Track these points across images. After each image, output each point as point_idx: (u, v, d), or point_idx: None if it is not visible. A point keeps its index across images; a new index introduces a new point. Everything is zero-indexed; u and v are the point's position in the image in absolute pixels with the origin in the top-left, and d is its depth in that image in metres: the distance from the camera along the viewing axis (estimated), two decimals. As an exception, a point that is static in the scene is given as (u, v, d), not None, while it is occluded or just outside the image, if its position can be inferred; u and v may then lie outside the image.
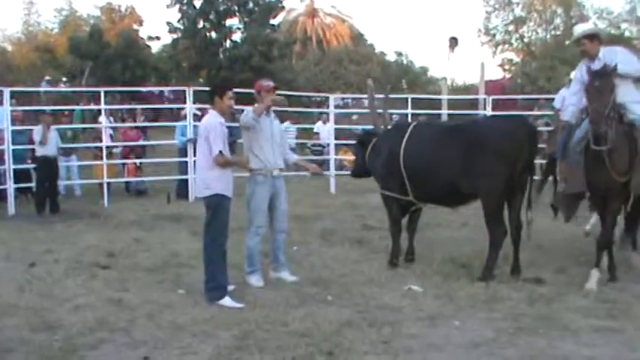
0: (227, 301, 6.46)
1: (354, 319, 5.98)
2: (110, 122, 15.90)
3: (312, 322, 5.85)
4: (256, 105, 7.12)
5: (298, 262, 8.13)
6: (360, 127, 18.08)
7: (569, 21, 34.72)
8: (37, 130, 12.50)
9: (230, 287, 6.73)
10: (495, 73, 37.56)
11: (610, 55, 6.91)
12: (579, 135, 6.99)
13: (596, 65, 6.84)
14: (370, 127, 9.41)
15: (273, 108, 7.48)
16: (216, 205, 6.58)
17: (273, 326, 5.75)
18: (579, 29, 7.29)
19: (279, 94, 7.74)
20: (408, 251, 8.27)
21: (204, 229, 6.73)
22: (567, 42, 8.60)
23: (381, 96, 9.08)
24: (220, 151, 6.51)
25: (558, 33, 35.60)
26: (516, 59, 38.42)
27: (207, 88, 17.40)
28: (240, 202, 7.33)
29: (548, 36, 36.51)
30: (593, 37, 7.12)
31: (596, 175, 6.83)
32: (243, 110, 7.29)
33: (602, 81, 6.61)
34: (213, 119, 6.65)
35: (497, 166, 7.06)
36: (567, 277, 7.34)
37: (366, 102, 27.96)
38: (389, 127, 8.65)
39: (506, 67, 38.44)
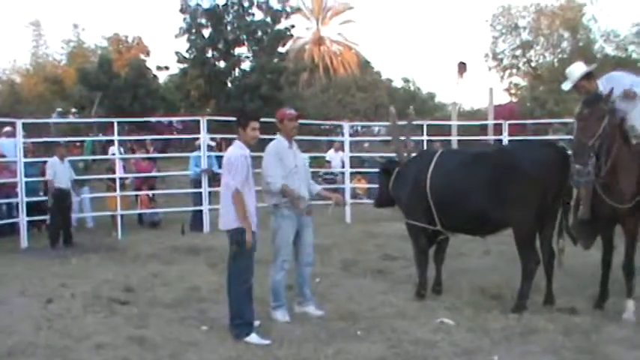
0: (254, 337, 6.24)
1: (387, 356, 5.77)
2: (121, 153, 15.74)
3: (344, 359, 5.62)
4: (294, 201, 6.92)
5: (322, 294, 7.91)
6: (371, 154, 17.97)
7: (576, 44, 34.71)
8: (49, 164, 12.32)
9: (255, 323, 6.51)
10: (502, 98, 37.46)
11: (611, 83, 6.76)
12: None
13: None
14: (390, 155, 9.24)
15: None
16: (241, 239, 6.35)
17: (305, 364, 5.53)
18: (575, 73, 7.03)
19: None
20: (435, 282, 8.04)
21: (229, 264, 6.51)
22: (565, 88, 8.23)
23: (404, 123, 8.89)
24: (238, 190, 6.30)
25: (565, 56, 35.55)
26: (523, 83, 38.40)
27: (220, 118, 17.52)
28: (263, 233, 7.12)
29: (555, 60, 36.42)
30: (589, 75, 6.99)
31: (597, 202, 6.69)
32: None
33: (591, 109, 6.42)
34: (236, 151, 6.44)
35: (528, 194, 6.87)
36: (600, 306, 7.11)
37: (375, 129, 28.04)
38: (413, 154, 8.46)
39: (512, 91, 38.42)
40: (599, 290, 7.14)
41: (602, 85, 6.86)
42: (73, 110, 25.15)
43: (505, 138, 14.79)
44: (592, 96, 6.60)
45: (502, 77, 38.18)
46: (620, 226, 6.89)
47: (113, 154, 15.34)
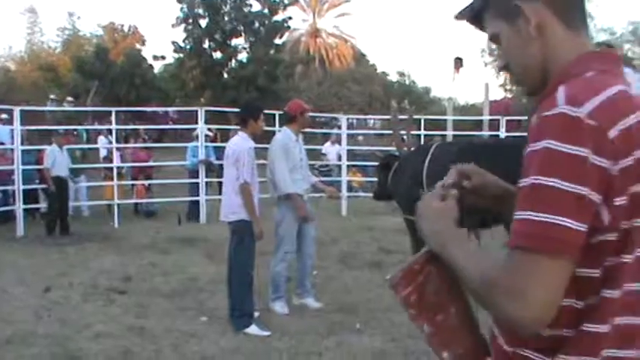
0: (254, 329, 6.26)
1: (387, 349, 5.79)
2: (110, 142, 15.71)
3: (346, 352, 5.67)
4: (297, 208, 6.94)
5: (320, 287, 7.92)
6: (367, 148, 17.96)
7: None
8: (49, 152, 12.28)
9: (254, 314, 6.52)
10: (497, 94, 37.48)
11: None
12: None
13: None
14: (385, 148, 9.27)
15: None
16: (243, 230, 6.37)
17: (306, 357, 5.56)
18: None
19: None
20: (432, 276, 8.06)
21: (230, 255, 6.53)
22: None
23: (405, 117, 8.91)
24: (247, 182, 6.32)
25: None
26: (519, 79, 38.32)
27: (216, 109, 17.49)
28: (264, 225, 7.12)
29: (551, 56, 36.39)
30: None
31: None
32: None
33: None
34: (243, 143, 6.42)
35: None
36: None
37: (370, 122, 28.02)
38: (412, 149, 8.49)
39: (508, 87, 38.36)
40: None
41: None
42: (69, 99, 24.95)
43: (502, 134, 14.84)
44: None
45: (498, 73, 38.14)
46: None
47: (110, 143, 15.30)
